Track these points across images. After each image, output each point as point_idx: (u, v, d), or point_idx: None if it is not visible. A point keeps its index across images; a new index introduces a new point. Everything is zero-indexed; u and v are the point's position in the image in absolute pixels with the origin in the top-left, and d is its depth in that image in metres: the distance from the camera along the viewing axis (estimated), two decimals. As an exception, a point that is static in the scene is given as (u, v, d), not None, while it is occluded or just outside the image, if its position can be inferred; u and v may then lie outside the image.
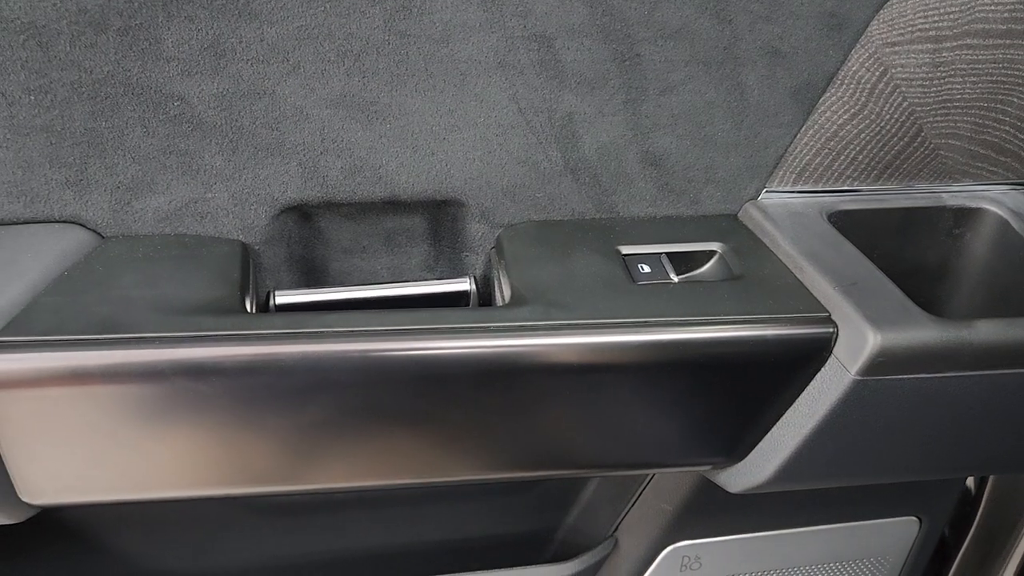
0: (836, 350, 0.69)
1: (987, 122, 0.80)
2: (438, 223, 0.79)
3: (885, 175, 0.82)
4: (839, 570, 1.00)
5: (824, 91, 0.76)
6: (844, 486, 0.86)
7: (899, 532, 0.97)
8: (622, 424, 0.72)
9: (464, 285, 0.79)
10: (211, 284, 0.68)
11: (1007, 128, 0.81)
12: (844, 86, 0.76)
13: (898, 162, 0.81)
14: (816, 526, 0.94)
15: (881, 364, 0.67)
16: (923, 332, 0.67)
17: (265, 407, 0.65)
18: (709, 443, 0.75)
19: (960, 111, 0.79)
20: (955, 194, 0.83)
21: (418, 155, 0.73)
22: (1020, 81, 0.79)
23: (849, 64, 0.76)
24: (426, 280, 0.79)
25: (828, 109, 0.77)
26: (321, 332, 0.64)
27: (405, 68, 0.69)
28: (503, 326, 0.66)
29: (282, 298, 0.76)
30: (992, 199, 0.83)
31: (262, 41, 0.66)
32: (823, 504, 0.94)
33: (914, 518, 0.96)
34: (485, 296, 0.80)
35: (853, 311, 0.69)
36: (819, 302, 0.71)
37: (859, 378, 0.68)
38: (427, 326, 0.65)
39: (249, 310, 0.70)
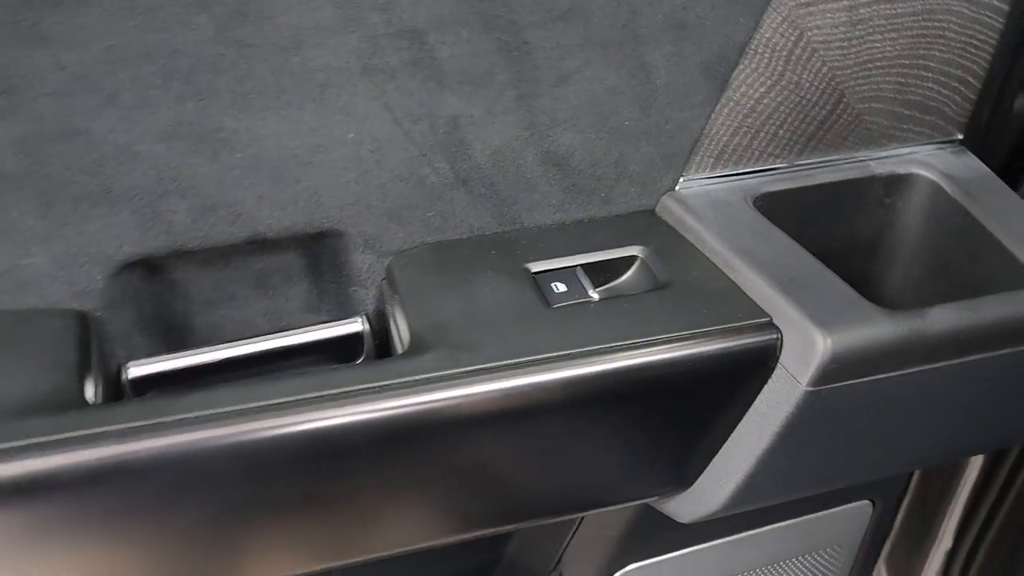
0: (783, 359, 0.61)
1: (910, 80, 0.73)
2: (317, 258, 0.67)
3: (809, 148, 0.74)
4: (798, 565, 0.95)
5: (737, 63, 0.68)
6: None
7: (854, 517, 0.92)
8: (553, 469, 0.63)
9: (356, 326, 0.68)
10: (39, 371, 0.56)
11: (930, 85, 0.74)
12: (758, 56, 0.68)
13: (821, 132, 0.73)
14: (770, 525, 0.88)
15: (833, 371, 0.60)
16: (875, 329, 0.60)
17: (127, 518, 0.54)
18: (653, 474, 0.67)
19: (882, 71, 0.72)
20: (883, 161, 0.76)
21: (280, 185, 0.61)
22: (940, 33, 0.72)
23: (762, 31, 0.67)
24: (312, 325, 0.68)
25: (743, 83, 0.69)
26: (185, 419, 0.52)
27: (250, 85, 0.57)
28: (403, 382, 0.56)
29: (138, 370, 0.63)
30: (921, 162, 0.76)
31: (61, 70, 0.53)
32: (777, 504, 0.87)
33: (867, 501, 0.91)
34: (381, 335, 0.69)
35: (796, 313, 0.61)
36: (757, 306, 0.63)
37: (811, 389, 0.60)
38: (314, 394, 0.54)
39: (93, 398, 0.57)
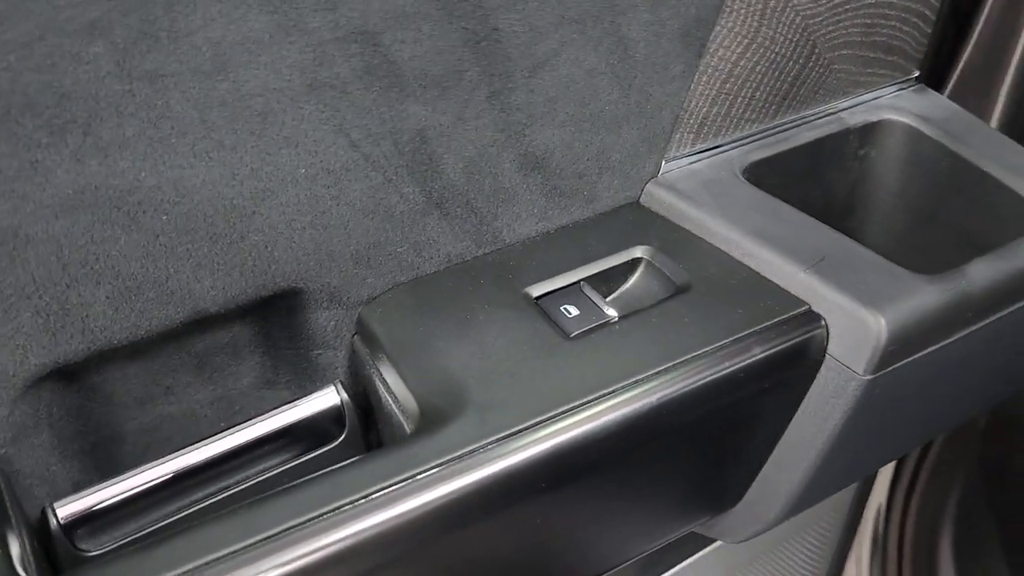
0: (831, 349, 0.55)
1: (876, 21, 0.68)
2: (269, 323, 0.55)
3: (784, 107, 0.67)
4: (793, 544, 0.91)
5: (714, 25, 0.60)
6: None
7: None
8: (605, 518, 0.54)
9: (331, 398, 0.56)
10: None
11: (894, 23, 0.69)
12: (734, 13, 0.60)
13: (795, 90, 0.67)
14: None
15: (891, 354, 0.53)
16: (923, 299, 0.55)
17: None
18: (701, 499, 0.59)
19: (851, 15, 0.66)
20: (853, 110, 0.71)
21: (220, 245, 0.48)
22: (901, -35, 0.67)
23: (737, -16, 0.60)
24: (273, 408, 0.55)
25: (720, 46, 0.61)
26: None
27: (169, 127, 0.44)
28: (438, 465, 0.45)
29: (67, 510, 0.49)
30: (891, 107, 0.71)
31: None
32: None
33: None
34: (361, 401, 0.57)
35: (838, 296, 0.54)
36: (792, 294, 0.56)
37: (869, 377, 0.54)
38: (322, 510, 0.43)
39: (20, 559, 0.43)
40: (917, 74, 0.74)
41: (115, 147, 0.43)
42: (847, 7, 0.65)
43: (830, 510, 0.92)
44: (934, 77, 0.76)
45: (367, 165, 0.51)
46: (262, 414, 0.55)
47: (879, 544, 1.26)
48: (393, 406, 0.52)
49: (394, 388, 0.52)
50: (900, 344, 0.53)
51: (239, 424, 0.55)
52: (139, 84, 0.42)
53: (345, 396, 0.56)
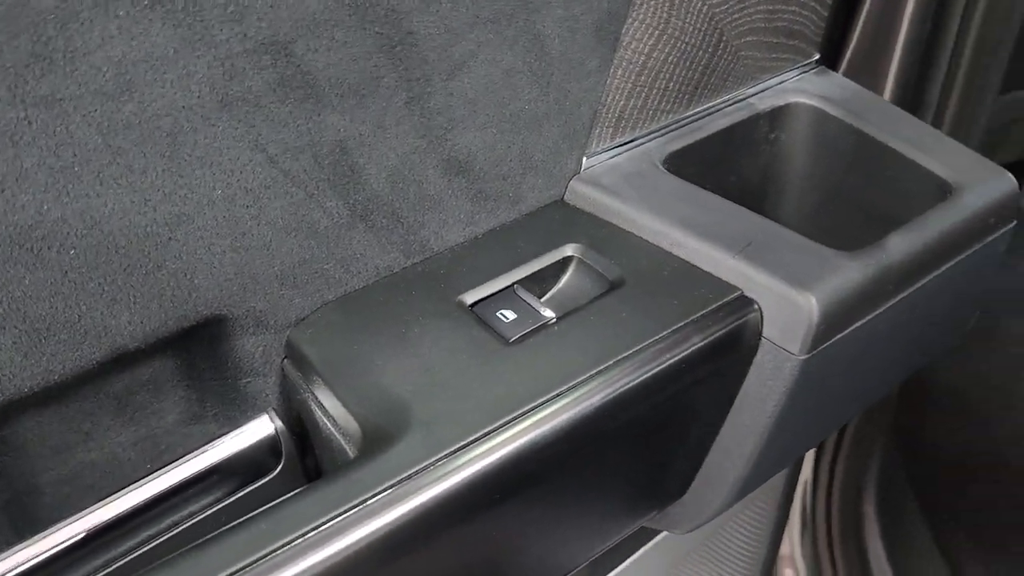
0: (767, 332, 0.55)
1: (777, 6, 0.69)
2: (192, 354, 0.52)
3: (696, 97, 0.68)
4: (735, 524, 0.92)
5: (626, 18, 0.60)
6: None
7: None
8: (557, 523, 0.54)
9: (264, 427, 0.53)
10: None
11: (794, 8, 0.71)
12: (644, 6, 0.60)
13: (706, 78, 0.68)
14: None
15: (824, 331, 0.54)
16: (849, 275, 0.56)
17: None
18: (649, 494, 0.59)
19: (754, 1, 0.67)
20: (762, 96, 0.72)
21: (135, 277, 0.45)
22: (796, -49, 0.69)
23: (647, -23, 0.59)
24: (202, 444, 0.52)
25: (633, 39, 0.61)
26: None
27: (72, 154, 0.41)
28: (387, 488, 0.43)
29: (-14, 577, 0.45)
30: (797, 90, 0.73)
31: None
32: None
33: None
34: (297, 428, 0.55)
35: (768, 279, 0.55)
36: (724, 281, 0.56)
37: (805, 357, 0.55)
38: (269, 549, 0.41)
39: None
40: (818, 56, 0.76)
41: (12, 180, 0.39)
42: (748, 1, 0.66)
43: (765, 490, 0.93)
44: (827, 60, 0.78)
45: (287, 181, 0.48)
46: (191, 451, 0.52)
47: (808, 518, 1.30)
48: (332, 430, 0.50)
49: (332, 411, 0.50)
50: (831, 322, 0.54)
51: (166, 465, 0.51)
52: (35, 110, 0.39)
53: (279, 424, 0.53)
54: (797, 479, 1.11)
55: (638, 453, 0.55)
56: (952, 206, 0.62)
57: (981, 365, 1.70)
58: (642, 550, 0.79)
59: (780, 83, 0.73)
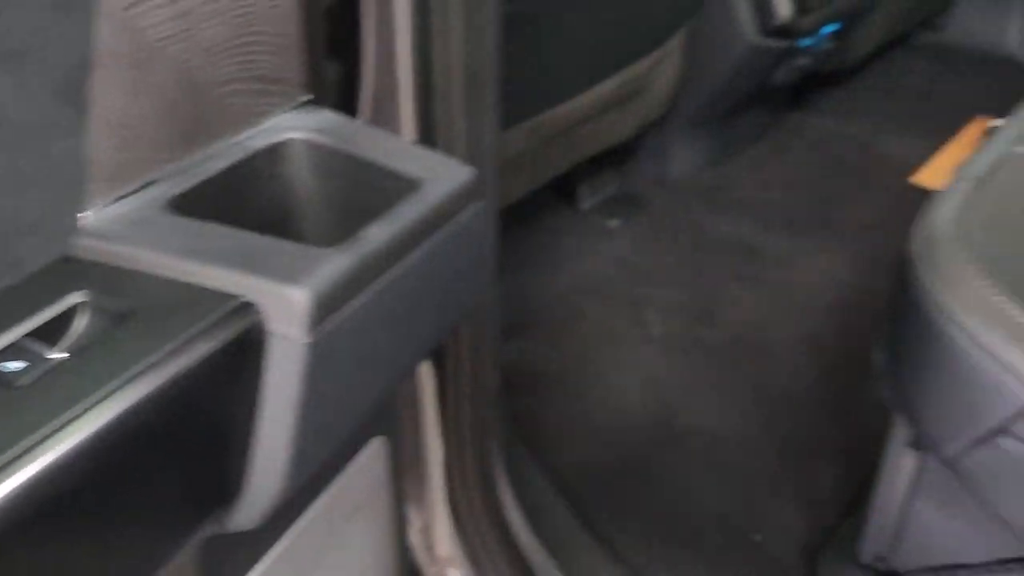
0: (271, 327, 0.63)
1: (253, 56, 0.79)
2: None
3: (193, 144, 0.75)
4: (346, 526, 0.99)
5: (89, 78, 0.65)
6: None
7: (375, 457, 0.99)
8: (99, 552, 0.56)
9: None
10: None
11: (270, 57, 0.81)
12: (108, 67, 0.66)
13: (198, 127, 0.75)
14: (312, 501, 0.90)
15: (319, 316, 0.64)
16: (335, 265, 0.66)
17: None
18: (201, 500, 0.64)
19: (226, 54, 0.76)
20: (257, 137, 0.81)
21: None
22: (257, 10, 0.79)
23: (101, 41, 0.65)
24: None
25: (105, 97, 0.66)
26: None
27: None
28: None
29: None
30: (290, 127, 0.83)
31: None
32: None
33: (381, 437, 0.99)
34: None
35: (265, 281, 0.63)
36: (226, 293, 0.63)
37: (309, 341, 0.63)
38: None
39: None
40: (310, 97, 0.87)
41: None
42: (220, 48, 0.75)
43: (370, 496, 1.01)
44: (322, 100, 0.90)
45: None
46: None
47: (457, 516, 1.41)
48: None
49: None
50: (324, 305, 0.64)
51: None
52: None
53: None
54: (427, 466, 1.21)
55: (174, 460, 0.60)
56: (419, 197, 0.75)
57: (573, 346, 1.96)
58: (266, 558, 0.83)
59: (273, 123, 0.83)
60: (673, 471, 1.64)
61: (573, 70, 1.85)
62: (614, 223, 2.25)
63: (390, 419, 1.02)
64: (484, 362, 1.30)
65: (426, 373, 1.27)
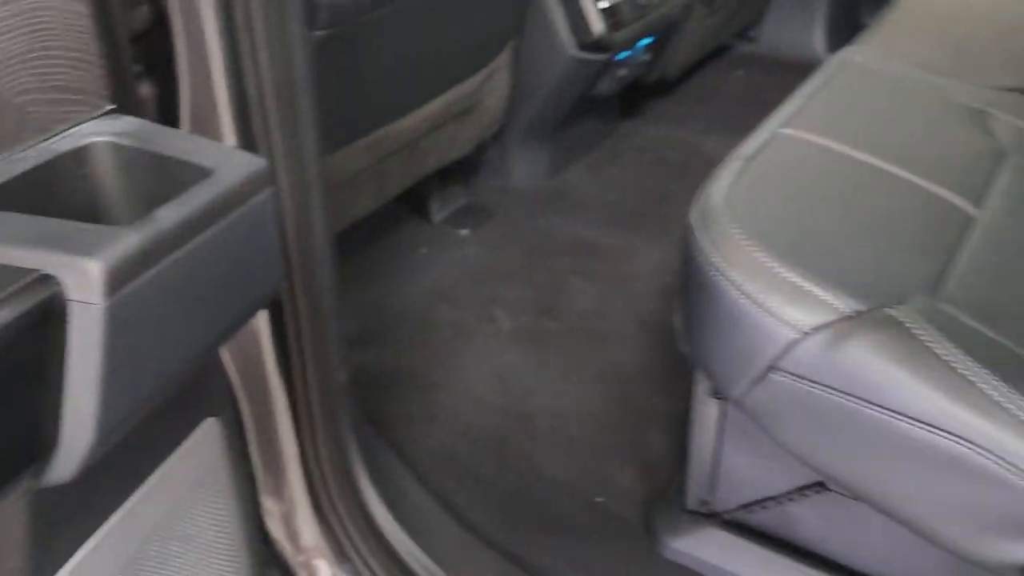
0: (70, 295, 0.72)
1: (50, 69, 0.87)
2: None
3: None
4: (189, 511, 1.06)
5: None
6: None
7: (209, 438, 1.07)
8: None
9: None
10: None
11: (68, 70, 0.89)
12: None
13: (16, 134, 0.83)
14: (138, 487, 0.96)
15: (115, 283, 0.72)
16: (128, 240, 0.75)
17: None
18: (15, 455, 0.71)
19: (21, 66, 0.84)
20: (62, 141, 0.89)
21: None
22: (50, 25, 0.87)
23: None
24: None
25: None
26: None
27: None
28: None
29: None
30: (95, 133, 0.91)
31: None
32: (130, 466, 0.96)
33: (212, 419, 1.06)
34: None
35: (60, 255, 0.71)
36: (24, 268, 0.71)
37: (105, 305, 0.72)
38: None
39: None
40: (112, 107, 0.96)
41: None
42: (13, 61, 0.83)
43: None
44: (127, 109, 0.99)
45: None
46: None
47: (318, 508, 1.49)
48: None
49: None
50: (117, 275, 0.73)
51: None
52: None
53: None
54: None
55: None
56: (210, 183, 0.85)
57: (428, 346, 2.07)
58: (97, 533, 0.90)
59: (79, 130, 0.91)
60: (523, 449, 1.77)
61: (404, 89, 1.98)
62: (465, 232, 2.38)
63: (221, 403, 1.10)
64: (329, 358, 1.39)
65: (272, 371, 1.35)
